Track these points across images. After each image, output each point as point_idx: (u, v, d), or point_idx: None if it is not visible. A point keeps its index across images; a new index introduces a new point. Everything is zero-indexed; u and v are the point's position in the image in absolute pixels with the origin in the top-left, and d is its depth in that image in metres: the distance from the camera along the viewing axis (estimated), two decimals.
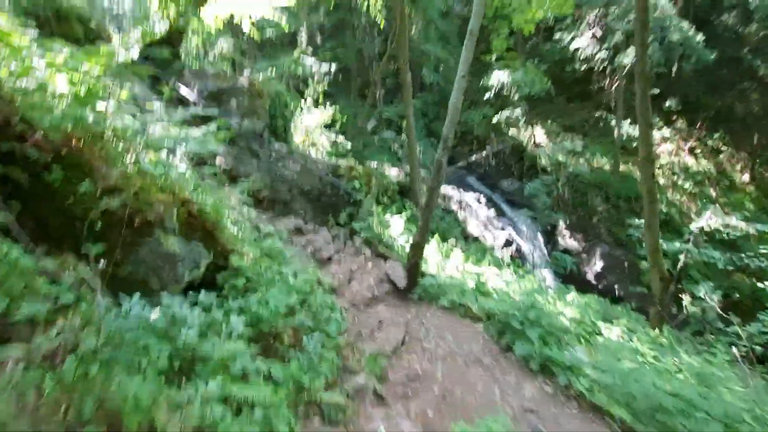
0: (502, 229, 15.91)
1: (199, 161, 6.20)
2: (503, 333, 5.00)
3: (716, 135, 16.08)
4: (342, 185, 6.78)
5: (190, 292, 3.16)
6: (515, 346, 4.70)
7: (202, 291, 2.90)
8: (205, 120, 5.65)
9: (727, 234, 11.25)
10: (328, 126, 9.84)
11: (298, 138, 8.47)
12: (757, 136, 15.49)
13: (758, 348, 10.69)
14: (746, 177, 15.34)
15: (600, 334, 5.70)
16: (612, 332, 6.60)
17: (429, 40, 14.23)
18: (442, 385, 4.25)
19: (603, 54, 16.23)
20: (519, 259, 14.81)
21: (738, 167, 15.68)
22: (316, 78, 10.80)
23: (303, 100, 8.88)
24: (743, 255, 10.59)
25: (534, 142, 16.93)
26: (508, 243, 15.55)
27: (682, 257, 11.79)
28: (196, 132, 3.90)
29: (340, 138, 9.64)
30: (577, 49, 16.57)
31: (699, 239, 11.65)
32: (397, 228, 8.58)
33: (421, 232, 5.61)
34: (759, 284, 10.66)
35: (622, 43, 14.66)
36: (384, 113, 17.14)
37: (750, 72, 15.39)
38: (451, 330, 5.18)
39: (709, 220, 11.67)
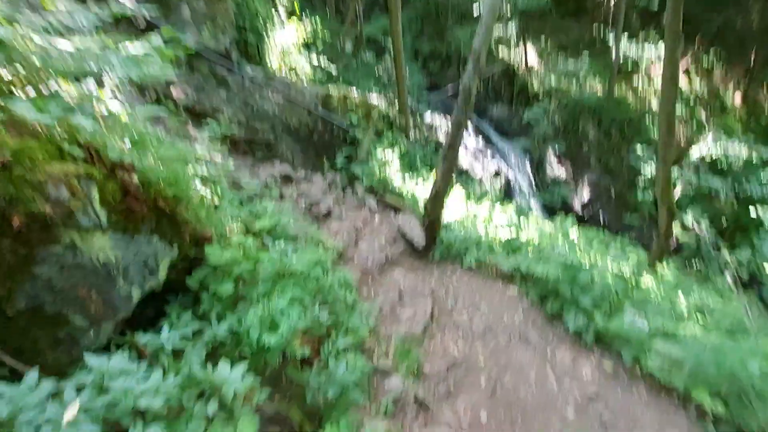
0: (492, 158, 14.87)
1: (146, 94, 4.61)
2: (545, 298, 4.11)
3: (711, 52, 14.91)
4: (336, 120, 5.35)
5: (144, 317, 1.97)
6: (566, 316, 3.83)
7: (165, 328, 1.70)
8: (147, 33, 3.99)
9: (727, 160, 10.60)
10: (306, 46, 8.00)
11: (274, 62, 6.73)
12: (753, 55, 14.44)
13: (745, 274, 10.54)
14: (737, 99, 14.53)
15: (639, 286, 4.94)
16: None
17: None
18: (487, 374, 3.38)
19: None
20: (507, 188, 14.02)
21: (730, 87, 14.79)
22: None
23: (274, 11, 6.97)
24: (746, 183, 10.05)
25: (526, 64, 15.31)
26: (496, 173, 14.62)
27: (679, 185, 11.22)
28: (132, 49, 2.41)
29: (323, 61, 7.89)
30: None
31: (699, 167, 11.01)
32: (394, 166, 7.33)
33: (443, 179, 4.43)
34: (752, 210, 10.27)
35: None
36: (365, 31, 14.87)
37: None
38: (483, 296, 4.24)
39: (710, 145, 10.95)
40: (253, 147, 5.35)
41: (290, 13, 7.77)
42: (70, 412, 1.19)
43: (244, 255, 2.19)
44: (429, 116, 14.41)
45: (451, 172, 4.52)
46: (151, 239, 1.91)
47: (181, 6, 4.96)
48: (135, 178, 1.77)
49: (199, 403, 1.52)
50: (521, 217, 8.51)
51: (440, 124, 14.35)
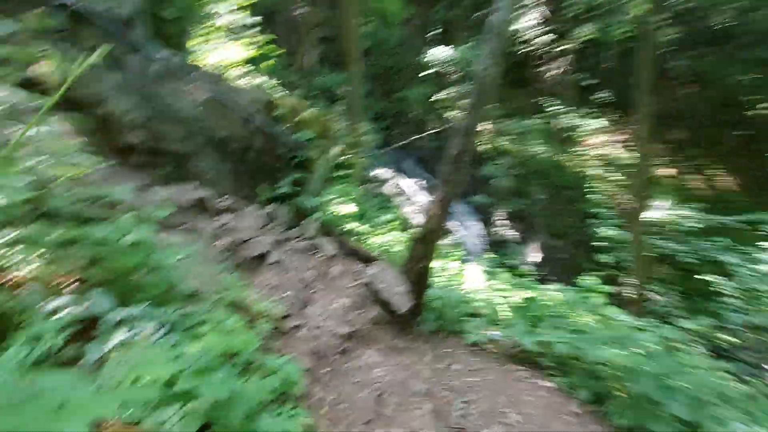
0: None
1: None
2: (606, 398, 2.56)
3: (646, 129, 15.71)
4: (283, 135, 3.76)
5: None
6: None
7: None
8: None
9: (679, 226, 10.38)
10: (253, 63, 6.53)
11: (206, 57, 5.11)
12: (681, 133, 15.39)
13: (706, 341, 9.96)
14: (672, 171, 15.18)
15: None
16: None
17: None
18: None
19: (546, 38, 14.91)
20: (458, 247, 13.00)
21: (664, 161, 15.51)
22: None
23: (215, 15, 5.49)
24: (701, 248, 9.69)
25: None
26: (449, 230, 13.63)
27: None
28: None
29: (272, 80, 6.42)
30: (517, 30, 15.04)
31: (651, 230, 10.67)
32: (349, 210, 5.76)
33: (440, 210, 2.92)
34: (697, 276, 9.90)
35: (569, 27, 13.34)
36: (318, 80, 13.96)
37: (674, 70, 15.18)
38: (507, 396, 2.58)
39: (661, 210, 10.76)
40: (156, 160, 3.53)
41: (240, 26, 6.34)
42: None
43: None
44: (377, 171, 13.44)
45: (447, 207, 3.03)
46: None
47: None
48: None
49: None
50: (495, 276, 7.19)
51: (388, 177, 13.35)
